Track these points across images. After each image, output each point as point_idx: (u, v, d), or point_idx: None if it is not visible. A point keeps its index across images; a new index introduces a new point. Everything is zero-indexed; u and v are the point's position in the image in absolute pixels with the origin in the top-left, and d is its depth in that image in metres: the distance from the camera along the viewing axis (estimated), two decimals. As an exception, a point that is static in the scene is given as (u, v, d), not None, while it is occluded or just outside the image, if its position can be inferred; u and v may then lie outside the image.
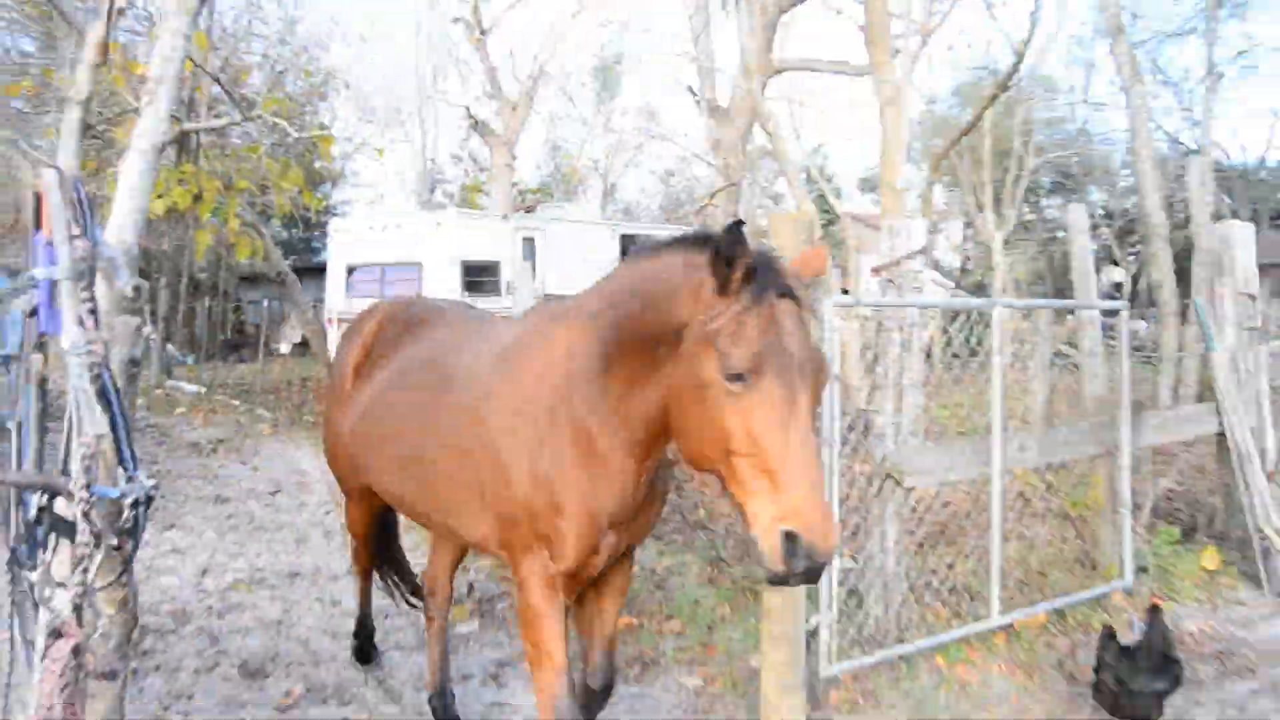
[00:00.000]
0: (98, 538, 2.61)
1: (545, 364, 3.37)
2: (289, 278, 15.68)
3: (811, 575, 2.56)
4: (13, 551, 3.03)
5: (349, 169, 30.43)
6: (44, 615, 2.66)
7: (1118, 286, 29.94)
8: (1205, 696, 5.19)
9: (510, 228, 18.51)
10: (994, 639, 5.61)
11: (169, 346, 16.42)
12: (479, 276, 17.10)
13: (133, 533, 2.74)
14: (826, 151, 40.32)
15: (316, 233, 25.76)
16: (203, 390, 14.29)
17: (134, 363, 3.61)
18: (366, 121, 25.57)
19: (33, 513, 2.83)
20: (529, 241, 18.71)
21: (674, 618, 6.01)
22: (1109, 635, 4.77)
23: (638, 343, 3.05)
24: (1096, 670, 4.71)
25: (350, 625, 5.49)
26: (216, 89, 13.52)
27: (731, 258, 2.71)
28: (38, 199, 3.01)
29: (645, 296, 3.04)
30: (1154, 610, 4.76)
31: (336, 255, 18.21)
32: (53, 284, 2.84)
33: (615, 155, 37.94)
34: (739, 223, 2.75)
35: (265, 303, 19.18)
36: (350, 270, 17.65)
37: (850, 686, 5.07)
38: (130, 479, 2.73)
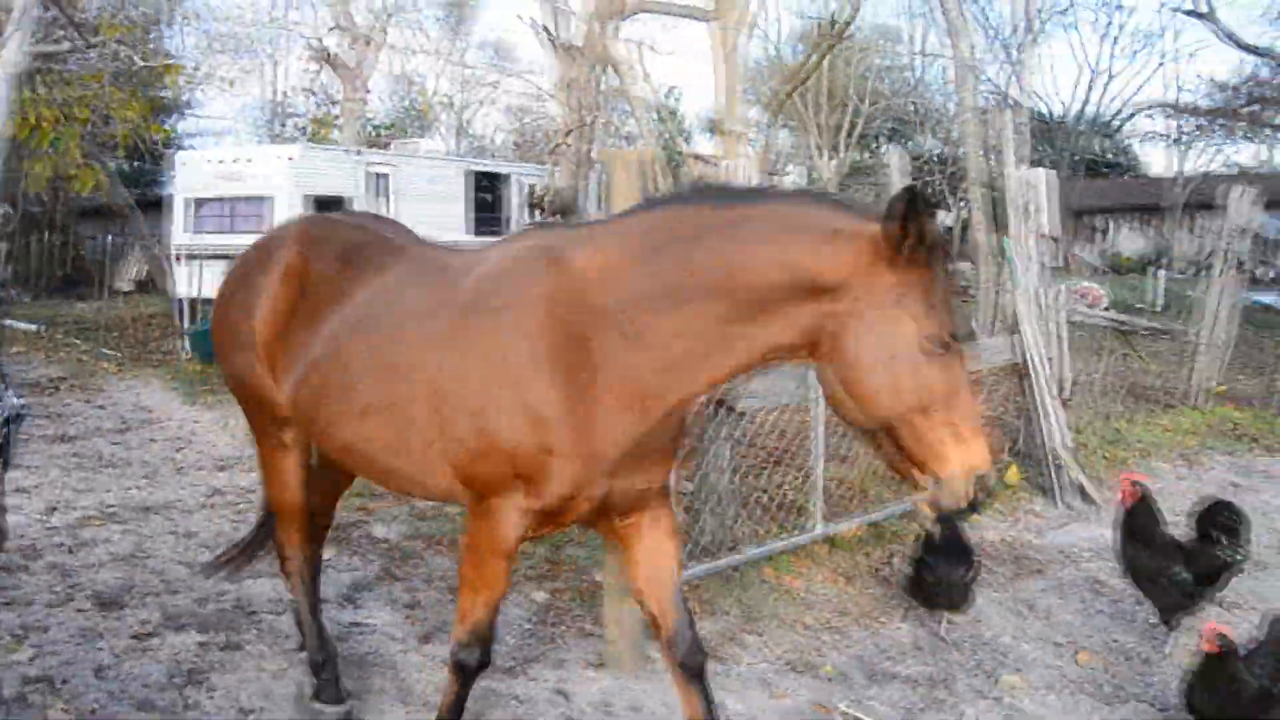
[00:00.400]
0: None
1: (555, 293, 3.16)
2: (132, 212, 15.14)
3: (976, 507, 2.86)
4: None
5: (195, 100, 29.17)
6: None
7: (949, 229, 31.43)
8: (1001, 595, 5.84)
9: (362, 163, 18.29)
10: (817, 549, 6.15)
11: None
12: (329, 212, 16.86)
13: (3, 449, 2.86)
14: (678, 94, 40.64)
15: (160, 165, 24.68)
16: (41, 328, 13.75)
17: (2, 286, 3.65)
18: (214, 51, 24.53)
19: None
20: (381, 178, 18.55)
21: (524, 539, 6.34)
22: (929, 538, 5.32)
23: (723, 290, 2.96)
24: (918, 571, 5.24)
25: (204, 556, 5.57)
26: (52, 11, 12.76)
27: (909, 226, 2.75)
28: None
29: (756, 249, 2.94)
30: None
31: (182, 189, 17.63)
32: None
33: (468, 92, 37.41)
34: (913, 189, 2.77)
35: (107, 238, 18.39)
36: (197, 205, 17.13)
37: (687, 594, 5.50)
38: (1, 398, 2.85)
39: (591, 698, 4.53)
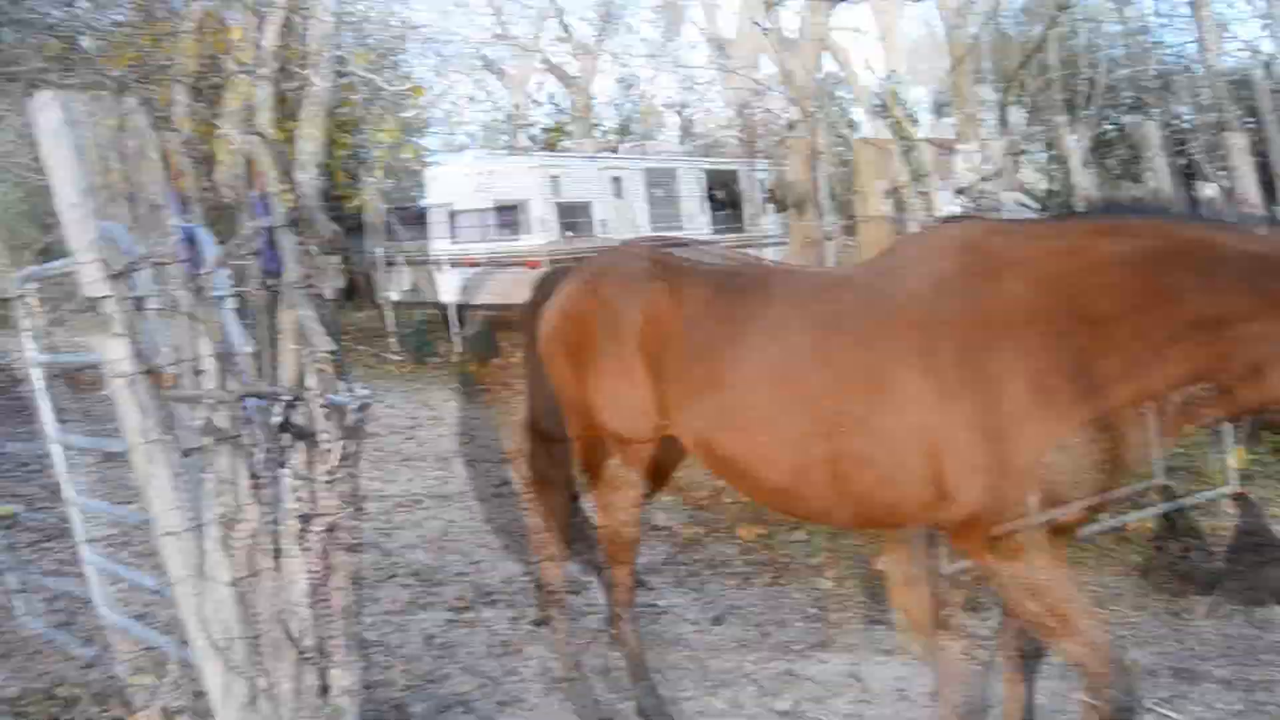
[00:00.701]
0: (333, 438, 3.12)
1: (1029, 304, 3.08)
2: (395, 226, 16.27)
3: None
4: (266, 452, 3.56)
5: (432, 116, 31.05)
6: (292, 505, 3.20)
7: (1211, 201, 29.06)
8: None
9: (596, 168, 18.78)
10: (1106, 543, 5.94)
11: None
12: (573, 217, 17.47)
13: (357, 433, 3.24)
14: (900, 78, 39.51)
15: (415, 181, 26.38)
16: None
17: (342, 293, 4.12)
18: (450, 71, 26.08)
19: (277, 420, 3.38)
20: (616, 181, 18.95)
21: (798, 528, 6.45)
22: (1239, 532, 5.09)
23: (1199, 309, 2.95)
24: (1230, 566, 5.02)
25: (499, 540, 6.01)
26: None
27: None
28: (248, 165, 3.54)
29: (1233, 281, 2.94)
30: (1241, 499, 5.10)
31: (438, 201, 18.69)
32: (269, 230, 3.37)
33: (688, 90, 37.81)
34: None
35: (379, 250, 19.87)
36: (453, 215, 18.12)
37: (972, 585, 5.46)
38: (350, 389, 3.23)
39: (885, 682, 4.58)
